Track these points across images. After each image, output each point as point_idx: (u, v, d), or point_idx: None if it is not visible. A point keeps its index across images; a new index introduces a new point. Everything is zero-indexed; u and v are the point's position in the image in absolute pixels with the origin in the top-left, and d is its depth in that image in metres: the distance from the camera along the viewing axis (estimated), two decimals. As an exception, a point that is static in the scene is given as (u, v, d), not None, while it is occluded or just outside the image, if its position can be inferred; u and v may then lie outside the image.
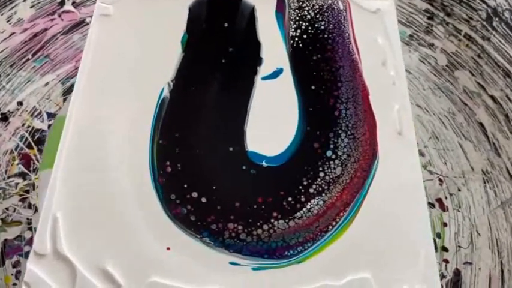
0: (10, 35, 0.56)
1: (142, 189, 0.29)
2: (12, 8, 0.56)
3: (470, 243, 0.48)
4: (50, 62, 0.55)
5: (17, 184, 0.48)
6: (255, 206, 0.29)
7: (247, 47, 0.35)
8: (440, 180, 0.52)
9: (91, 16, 0.56)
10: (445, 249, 0.48)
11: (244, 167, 0.31)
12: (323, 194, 0.30)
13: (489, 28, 0.53)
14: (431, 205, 0.49)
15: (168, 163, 0.30)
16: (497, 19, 0.51)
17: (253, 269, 0.28)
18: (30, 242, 0.45)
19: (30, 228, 0.46)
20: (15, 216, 0.46)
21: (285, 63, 0.34)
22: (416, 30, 0.60)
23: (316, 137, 0.32)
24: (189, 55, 0.34)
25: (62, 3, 0.58)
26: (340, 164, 0.31)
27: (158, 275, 0.27)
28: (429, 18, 0.61)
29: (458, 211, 0.50)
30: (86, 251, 0.27)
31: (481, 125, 0.55)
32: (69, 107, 0.32)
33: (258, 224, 0.29)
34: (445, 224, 0.49)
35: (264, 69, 0.34)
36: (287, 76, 0.34)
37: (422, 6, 0.61)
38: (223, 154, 0.31)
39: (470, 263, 0.47)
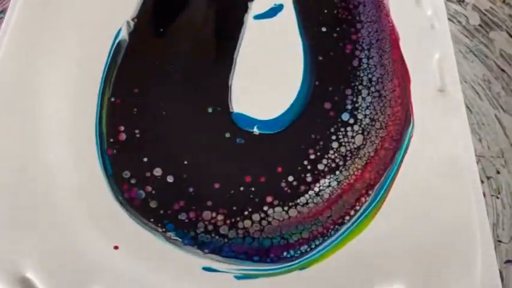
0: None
1: (83, 164, 0.21)
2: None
3: (510, 239, 0.39)
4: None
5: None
6: (241, 188, 0.21)
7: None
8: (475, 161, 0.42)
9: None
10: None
11: (227, 135, 0.22)
12: (337, 172, 0.21)
13: (535, -23, 0.43)
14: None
15: (122, 128, 0.22)
16: (547, -36, 0.42)
17: (237, 277, 0.19)
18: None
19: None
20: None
21: (285, -1, 0.25)
22: (444, -17, 0.50)
23: (328, 95, 0.23)
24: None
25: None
26: (361, 131, 0.22)
27: (100, 285, 0.19)
28: (459, -31, 0.51)
29: (497, 198, 0.41)
30: (9, 253, 0.19)
31: (524, 94, 0.45)
32: None
33: (246, 213, 0.20)
34: (482, 214, 0.40)
35: (257, 5, 0.25)
36: (288, 14, 0.25)
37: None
38: (199, 117, 0.22)
39: (510, 261, 0.38)
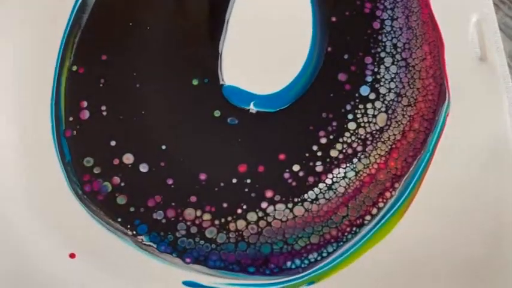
0: None
1: (34, 149, 0.16)
2: None
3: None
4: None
5: None
6: (233, 180, 0.17)
7: None
8: None
9: None
10: None
11: (217, 113, 0.18)
12: (355, 160, 0.17)
13: None
14: None
15: (85, 104, 0.17)
16: None
17: (228, 294, 0.15)
18: None
19: None
20: None
21: None
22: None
23: (343, 64, 0.18)
24: None
25: None
26: (384, 109, 0.18)
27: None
28: None
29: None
30: None
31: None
32: None
33: (239, 211, 0.16)
34: None
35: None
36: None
37: None
38: (182, 91, 0.18)
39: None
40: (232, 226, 0.16)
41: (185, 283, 0.15)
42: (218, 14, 0.19)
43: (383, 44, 0.19)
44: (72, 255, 0.15)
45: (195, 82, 0.18)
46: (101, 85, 0.18)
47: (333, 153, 0.17)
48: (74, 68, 0.18)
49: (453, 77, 0.19)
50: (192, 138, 0.17)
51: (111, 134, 0.17)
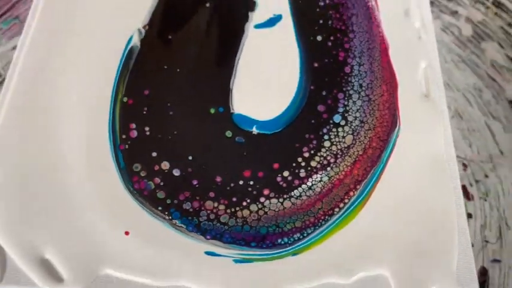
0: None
1: (97, 158, 0.23)
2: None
3: (498, 238, 0.41)
4: (19, 23, 0.49)
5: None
6: (240, 182, 0.23)
7: (237, -11, 0.28)
8: (464, 165, 0.44)
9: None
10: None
11: (228, 134, 0.24)
12: (328, 169, 0.23)
13: (524, -9, 0.46)
14: (454, 192, 0.42)
15: (134, 126, 0.24)
16: (534, -21, 0.44)
17: (236, 261, 0.21)
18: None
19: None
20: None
21: (284, 9, 0.28)
22: (438, -5, 0.53)
23: (322, 98, 0.25)
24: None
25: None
26: (351, 132, 0.24)
27: (112, 267, 0.21)
28: (453, -18, 0.53)
29: (485, 200, 0.43)
30: (21, 235, 0.21)
31: (511, 102, 0.48)
32: (12, 60, 0.26)
33: (244, 203, 0.22)
34: (469, 215, 0.42)
35: (258, 16, 0.28)
36: (287, 24, 0.27)
37: (445, -31, 0.53)
38: (203, 117, 0.25)
39: (499, 261, 0.40)
40: (239, 214, 0.22)
41: (206, 252, 0.21)
42: (229, 60, 0.26)
43: (352, 84, 0.26)
44: (126, 233, 0.22)
45: (212, 111, 0.25)
46: (144, 112, 0.25)
47: (313, 163, 0.24)
48: (125, 99, 0.25)
49: (403, 108, 0.26)
50: (210, 152, 0.24)
51: (153, 147, 0.24)
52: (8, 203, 0.22)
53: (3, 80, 0.45)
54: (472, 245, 0.39)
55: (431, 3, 0.52)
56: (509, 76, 0.48)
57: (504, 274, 0.40)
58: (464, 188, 0.43)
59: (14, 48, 0.47)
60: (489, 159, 0.44)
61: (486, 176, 0.43)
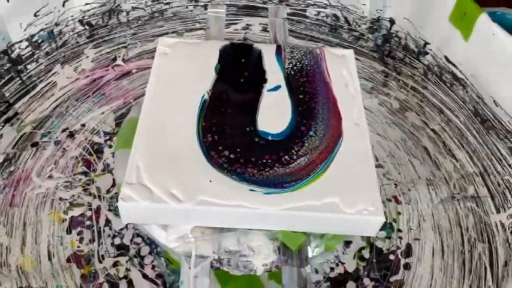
0: (76, 80, 0.75)
1: (194, 149, 0.46)
2: (78, 61, 0.76)
3: (418, 227, 0.64)
4: (105, 98, 0.75)
5: (80, 179, 0.64)
6: (264, 161, 0.46)
7: (257, 72, 0.54)
8: (395, 184, 0.69)
9: (136, 68, 0.77)
10: (399, 230, 0.64)
11: (256, 139, 0.48)
12: (307, 155, 0.47)
13: (426, 80, 0.73)
14: (388, 200, 0.66)
15: (209, 135, 0.48)
16: (430, 73, 0.72)
17: (264, 193, 0.44)
18: (90, 218, 0.60)
19: (90, 209, 0.61)
20: (79, 200, 0.62)
21: (282, 83, 0.53)
22: (375, 84, 0.81)
23: (303, 124, 0.50)
24: (220, 76, 0.53)
25: (114, 59, 0.79)
26: (318, 139, 0.49)
27: (204, 196, 0.43)
28: (385, 76, 0.82)
29: (409, 204, 0.67)
30: (159, 181, 0.44)
31: (426, 148, 0.74)
32: (142, 107, 0.50)
33: (266, 169, 0.46)
34: (399, 213, 0.65)
35: (268, 86, 0.53)
36: (283, 90, 0.53)
37: (380, 68, 0.83)
38: (243, 132, 0.48)
39: (418, 239, 0.63)
40: (264, 174, 0.45)
41: (250, 189, 0.44)
42: (255, 105, 0.51)
43: (318, 117, 0.50)
44: (210, 181, 0.44)
45: (247, 129, 0.49)
46: (214, 130, 0.48)
47: (300, 153, 0.47)
48: (203, 124, 0.49)
49: (345, 129, 0.50)
50: (248, 148, 0.47)
51: (219, 145, 0.47)
52: (150, 153, 0.44)
53: (98, 131, 0.68)
54: (401, 231, 0.63)
55: (372, 88, 0.80)
56: (423, 132, 0.74)
57: (422, 247, 0.62)
58: (395, 197, 0.67)
59: (103, 113, 0.72)
60: (411, 181, 0.69)
61: (409, 190, 0.68)
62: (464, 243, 0.62)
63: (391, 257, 0.60)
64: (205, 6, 0.78)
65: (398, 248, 0.61)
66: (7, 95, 0.65)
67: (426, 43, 0.71)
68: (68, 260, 0.56)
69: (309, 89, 0.53)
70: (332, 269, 0.59)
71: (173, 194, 0.43)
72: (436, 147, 0.72)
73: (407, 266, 0.59)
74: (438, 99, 0.73)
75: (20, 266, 0.54)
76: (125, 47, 0.77)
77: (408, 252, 0.61)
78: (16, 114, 0.66)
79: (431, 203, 0.66)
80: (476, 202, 0.66)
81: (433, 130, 0.74)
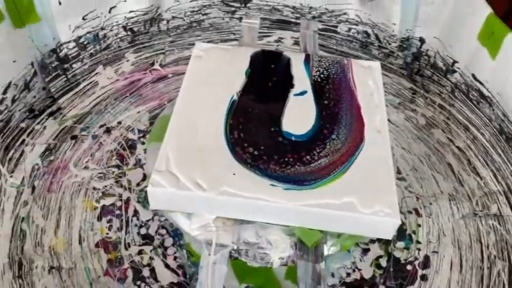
0: (116, 81, 0.80)
1: (221, 144, 0.49)
2: (119, 64, 0.81)
3: (438, 240, 0.64)
4: (142, 99, 0.79)
5: (113, 172, 0.68)
6: (286, 159, 0.49)
7: (284, 78, 0.57)
8: (417, 197, 0.70)
9: (172, 73, 0.81)
10: (418, 242, 0.64)
11: (280, 139, 0.50)
12: (328, 157, 0.49)
13: (453, 97, 0.74)
14: (409, 212, 0.67)
15: (236, 133, 0.51)
16: (457, 90, 0.73)
17: (284, 189, 0.46)
18: (120, 208, 0.63)
19: (120, 200, 0.65)
20: (111, 191, 0.65)
21: (308, 88, 0.56)
22: (403, 100, 0.83)
23: (326, 128, 0.52)
24: (249, 80, 0.56)
25: (152, 64, 0.83)
26: (340, 142, 0.51)
27: (227, 187, 0.46)
28: (413, 93, 0.83)
29: (429, 217, 0.67)
30: (186, 170, 0.47)
31: (450, 164, 0.74)
32: (175, 104, 0.53)
33: (288, 167, 0.48)
34: (419, 225, 0.66)
35: (294, 90, 0.56)
36: (309, 95, 0.55)
37: (408, 85, 0.84)
38: (268, 132, 0.51)
39: (437, 252, 0.63)
40: (286, 172, 0.47)
41: (271, 184, 0.46)
42: (282, 109, 0.53)
43: (341, 122, 0.52)
44: (234, 174, 0.47)
45: (272, 129, 0.51)
46: (240, 128, 0.51)
47: (321, 154, 0.49)
48: (231, 122, 0.51)
49: (367, 135, 0.52)
50: (272, 147, 0.50)
51: (245, 142, 0.50)
52: (180, 145, 0.47)
53: (133, 129, 0.72)
54: (420, 242, 0.63)
55: (399, 103, 0.81)
56: (448, 149, 0.75)
57: (440, 259, 0.63)
58: (416, 209, 0.68)
59: (138, 112, 0.76)
60: (433, 195, 0.70)
61: (430, 204, 0.68)
62: (483, 259, 0.62)
63: (409, 267, 0.61)
64: (240, 18, 0.82)
65: (416, 258, 0.61)
66: (53, 90, 0.70)
67: (454, 61, 0.72)
68: (97, 245, 0.59)
69: (334, 96, 0.55)
70: (348, 274, 0.60)
71: (198, 183, 0.46)
72: (460, 164, 0.73)
73: (424, 277, 0.60)
74: (464, 117, 0.74)
75: (52, 247, 0.58)
76: (163, 53, 0.81)
77: (426, 263, 0.61)
78: (59, 108, 0.71)
79: (453, 217, 0.66)
80: (499, 220, 0.65)
81: (458, 147, 0.74)
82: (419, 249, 0.63)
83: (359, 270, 0.60)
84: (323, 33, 0.83)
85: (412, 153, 0.74)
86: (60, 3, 0.66)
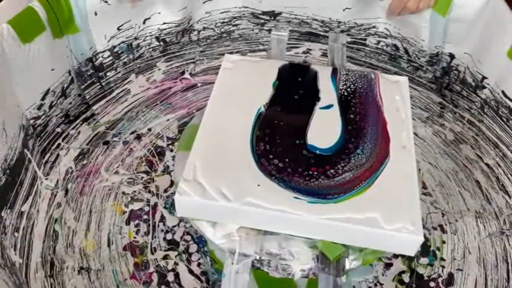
0: (147, 89, 0.83)
1: (247, 156, 0.50)
2: (151, 73, 0.83)
3: (463, 257, 0.64)
4: (171, 107, 0.81)
5: (142, 177, 0.70)
6: (310, 172, 0.49)
7: (311, 91, 0.58)
8: (442, 213, 0.69)
9: (201, 82, 0.83)
10: (442, 259, 0.64)
11: (305, 152, 0.51)
12: (353, 171, 0.50)
13: (482, 113, 0.73)
14: (434, 228, 0.67)
15: (262, 144, 0.52)
16: (487, 107, 0.72)
17: (308, 202, 0.47)
18: (147, 213, 0.65)
19: (148, 205, 0.67)
20: (139, 196, 0.67)
21: (334, 102, 0.56)
22: (431, 114, 0.82)
23: (352, 142, 0.52)
24: (277, 92, 0.57)
25: (182, 73, 0.86)
26: (365, 157, 0.51)
27: (251, 198, 0.47)
28: (441, 107, 0.83)
29: (455, 235, 0.66)
30: (212, 180, 0.48)
31: (477, 181, 0.73)
32: (204, 115, 0.55)
33: (312, 180, 0.49)
34: (443, 242, 0.65)
35: (321, 104, 0.56)
36: (335, 109, 0.56)
37: (437, 99, 0.83)
38: (293, 144, 0.52)
39: (462, 270, 0.62)
40: (310, 185, 0.48)
41: (294, 197, 0.47)
42: (307, 121, 0.54)
43: (367, 137, 0.53)
44: (258, 185, 0.48)
45: (297, 142, 0.52)
46: (266, 139, 0.52)
47: (345, 168, 0.50)
48: (257, 133, 0.53)
49: (392, 151, 0.52)
50: (296, 160, 0.50)
51: (270, 154, 0.51)
52: (207, 155, 0.49)
53: (162, 136, 0.74)
54: (444, 260, 0.63)
55: (427, 118, 0.81)
56: (477, 166, 0.74)
57: (464, 278, 0.62)
58: (441, 226, 0.68)
59: (168, 120, 0.79)
60: (459, 212, 0.69)
61: (456, 221, 0.68)
62: (510, 279, 0.60)
63: (432, 284, 0.60)
64: (269, 30, 0.83)
65: (439, 276, 0.61)
66: (87, 97, 0.72)
67: (484, 77, 0.71)
68: (125, 248, 0.61)
69: (360, 110, 0.56)
70: (370, 288, 0.60)
71: (224, 193, 0.47)
72: (488, 181, 0.71)
73: (447, 295, 0.59)
74: (494, 134, 0.73)
75: (82, 249, 0.60)
76: (193, 63, 0.83)
77: (450, 281, 0.60)
78: (93, 115, 0.74)
79: (479, 235, 0.65)
80: (527, 240, 0.64)
81: (486, 164, 0.73)
82: (443, 266, 0.62)
83: (381, 284, 0.60)
84: (352, 45, 0.84)
85: (439, 169, 0.74)
86: (96, 14, 0.69)
